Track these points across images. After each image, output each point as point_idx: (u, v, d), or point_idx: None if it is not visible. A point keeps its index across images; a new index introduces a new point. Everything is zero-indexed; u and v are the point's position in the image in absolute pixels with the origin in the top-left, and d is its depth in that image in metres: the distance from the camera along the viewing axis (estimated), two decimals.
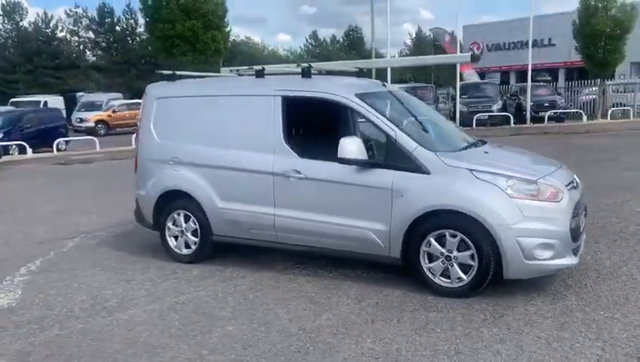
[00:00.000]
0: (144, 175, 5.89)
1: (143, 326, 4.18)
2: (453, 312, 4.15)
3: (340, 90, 5.00)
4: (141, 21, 53.17)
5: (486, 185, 4.30)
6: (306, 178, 4.89)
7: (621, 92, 26.15)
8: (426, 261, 4.51)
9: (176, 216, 5.67)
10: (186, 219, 5.62)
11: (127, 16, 52.75)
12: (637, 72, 31.79)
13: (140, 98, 33.38)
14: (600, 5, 22.40)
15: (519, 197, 4.23)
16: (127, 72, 50.02)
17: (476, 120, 21.24)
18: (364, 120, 4.82)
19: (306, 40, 73.28)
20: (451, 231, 4.35)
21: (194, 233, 5.60)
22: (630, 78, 29.13)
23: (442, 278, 4.47)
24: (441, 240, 4.41)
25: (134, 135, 20.40)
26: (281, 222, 5.07)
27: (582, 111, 23.45)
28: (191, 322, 4.21)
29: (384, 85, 5.76)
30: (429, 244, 4.46)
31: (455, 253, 4.36)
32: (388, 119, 4.71)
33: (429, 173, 4.43)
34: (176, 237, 5.72)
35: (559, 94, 25.24)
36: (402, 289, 4.64)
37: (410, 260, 4.57)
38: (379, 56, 59.56)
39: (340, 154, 4.61)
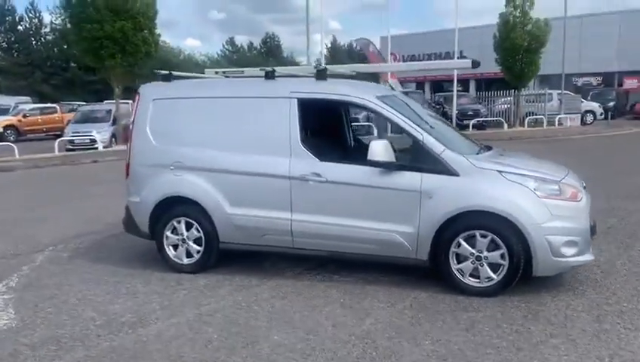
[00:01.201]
0: (139, 181, 5.51)
1: (178, 340, 3.90)
2: (491, 311, 4.24)
3: (361, 92, 4.98)
4: (46, 20, 50.40)
5: (515, 185, 4.44)
6: (327, 181, 4.81)
7: (533, 102, 28.15)
8: (455, 262, 4.58)
9: (176, 223, 5.36)
10: (188, 226, 5.32)
11: (30, 15, 49.40)
12: (540, 84, 34.28)
13: (46, 102, 31.05)
14: (517, 20, 24.02)
15: (546, 197, 4.41)
16: (30, 75, 46.65)
17: None
18: (388, 122, 4.82)
19: (223, 46, 72.45)
20: (482, 231, 4.45)
21: (197, 241, 5.31)
22: (534, 89, 31.40)
23: (471, 278, 4.56)
24: (470, 241, 4.50)
25: (57, 141, 19.40)
26: (298, 227, 4.94)
27: (502, 120, 24.97)
28: (230, 334, 3.99)
29: (393, 89, 5.80)
30: (459, 245, 4.53)
31: (485, 253, 4.46)
32: (413, 122, 4.75)
33: (458, 175, 4.51)
34: (175, 246, 5.40)
35: (480, 103, 26.71)
36: (428, 291, 4.67)
37: (437, 262, 4.62)
38: (295, 64, 60.27)
39: (369, 157, 4.58)
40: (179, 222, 5.34)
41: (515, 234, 4.37)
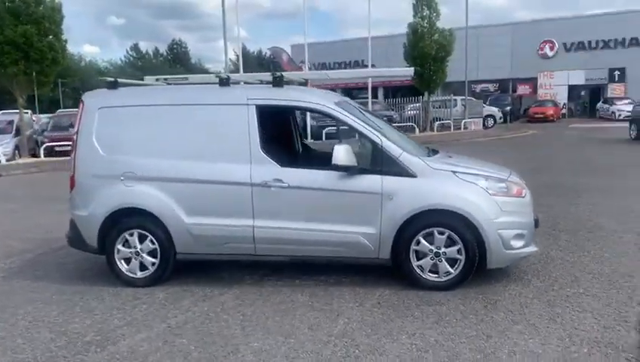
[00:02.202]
0: (85, 193, 5.25)
1: (155, 355, 3.79)
2: (454, 303, 4.50)
3: (320, 98, 5.10)
4: None
5: (469, 184, 4.76)
6: (289, 187, 4.87)
7: (439, 107, 29.73)
8: (415, 259, 4.82)
9: (128, 236, 5.17)
10: (142, 238, 5.15)
11: None
12: (443, 90, 36.26)
13: None
14: (425, 30, 25.34)
15: (496, 195, 4.76)
16: None
17: (325, 133, 22.38)
18: (346, 128, 4.97)
19: (127, 52, 69.75)
20: (440, 228, 4.71)
21: (151, 253, 5.16)
22: (438, 96, 33.15)
23: (431, 274, 4.81)
24: (429, 238, 4.75)
25: None
26: (261, 233, 4.95)
27: (414, 125, 26.14)
28: (207, 344, 3.93)
29: (343, 96, 5.97)
30: (418, 243, 4.77)
31: (443, 249, 4.73)
32: (370, 126, 4.94)
33: (415, 176, 4.75)
34: (127, 260, 5.21)
35: (392, 109, 27.77)
36: (392, 288, 4.87)
37: (399, 260, 4.82)
38: (204, 71, 59.20)
39: (334, 161, 4.69)
40: (131, 235, 5.16)
41: (470, 230, 4.67)
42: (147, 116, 5.20)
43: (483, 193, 4.73)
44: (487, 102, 33.77)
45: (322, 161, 5.05)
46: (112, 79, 5.44)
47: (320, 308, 4.52)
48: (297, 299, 4.73)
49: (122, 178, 5.11)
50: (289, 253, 5.02)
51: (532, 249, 4.93)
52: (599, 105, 37.68)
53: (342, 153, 4.70)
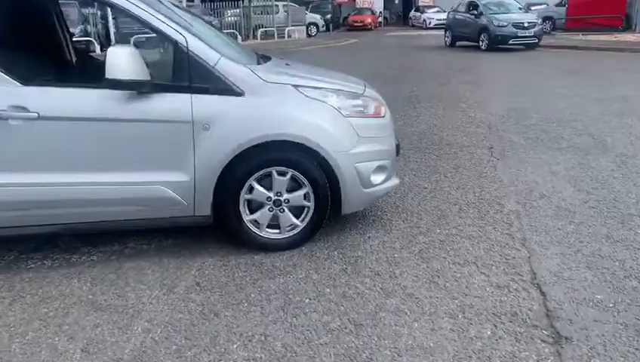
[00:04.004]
0: None
1: None
2: (304, 270, 3.26)
3: None
4: None
5: (316, 103, 3.40)
6: (40, 117, 3.04)
7: (261, 14, 27.79)
8: (247, 212, 3.43)
9: None
10: None
11: None
12: None
13: None
14: None
15: (351, 116, 3.49)
16: None
17: (134, 42, 19.31)
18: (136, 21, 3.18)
19: None
20: (279, 168, 3.35)
21: None
22: (258, 1, 31.00)
23: (270, 230, 3.49)
24: (265, 182, 3.38)
25: None
26: (5, 196, 3.12)
27: (236, 32, 24.02)
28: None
29: None
30: (251, 189, 3.37)
31: (285, 195, 3.41)
32: (173, 21, 3.23)
33: (242, 94, 3.25)
34: None
35: (211, 14, 25.14)
36: (214, 255, 3.48)
37: (224, 215, 3.40)
38: None
39: (109, 74, 2.95)
40: None
41: (320, 166, 3.38)
42: None
43: (335, 114, 3.42)
44: (309, 10, 32.63)
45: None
46: None
47: (106, 304, 2.95)
48: (71, 292, 3.09)
49: None
50: (58, 221, 3.28)
51: (394, 182, 3.83)
52: (412, 13, 38.93)
53: (121, 60, 2.97)
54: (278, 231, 3.49)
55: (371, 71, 12.46)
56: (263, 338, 2.60)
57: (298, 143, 3.29)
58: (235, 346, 2.55)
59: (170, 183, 3.25)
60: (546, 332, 2.58)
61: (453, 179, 4.86)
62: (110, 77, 2.95)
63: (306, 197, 3.43)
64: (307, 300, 2.92)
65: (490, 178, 4.86)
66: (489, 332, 2.59)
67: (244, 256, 3.43)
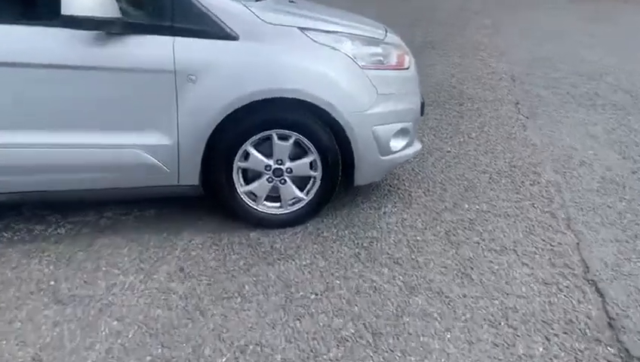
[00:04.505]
0: None
1: None
2: (309, 255, 2.73)
3: None
4: None
5: (327, 51, 2.76)
6: None
7: None
8: (243, 182, 2.87)
9: None
10: None
11: None
12: None
13: None
14: None
15: (370, 67, 2.86)
16: None
17: None
18: None
19: None
20: (281, 131, 2.75)
21: None
22: None
23: (268, 204, 2.93)
24: (264, 148, 2.79)
25: None
26: None
27: None
28: None
29: None
30: (247, 156, 2.79)
31: (288, 164, 2.83)
32: None
33: (236, 39, 2.61)
34: None
35: None
36: (200, 233, 2.93)
37: (216, 186, 2.83)
38: None
39: (65, 9, 2.31)
40: None
41: (330, 129, 2.79)
42: None
43: (349, 65, 2.79)
44: None
45: None
46: None
47: (70, 295, 2.44)
48: (30, 276, 2.56)
49: None
50: (10, 189, 2.72)
51: (416, 147, 3.24)
52: None
53: None
54: (278, 205, 2.93)
55: (379, 14, 11.56)
56: (258, 348, 2.10)
57: (304, 101, 2.68)
58: (223, 360, 2.04)
59: (148, 147, 2.66)
60: (612, 351, 2.07)
61: (479, 140, 4.26)
62: (67, 13, 2.31)
63: (312, 165, 2.86)
64: (313, 296, 2.40)
65: (521, 140, 4.27)
66: (541, 349, 2.08)
67: (238, 232, 2.90)
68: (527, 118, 4.82)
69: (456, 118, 4.80)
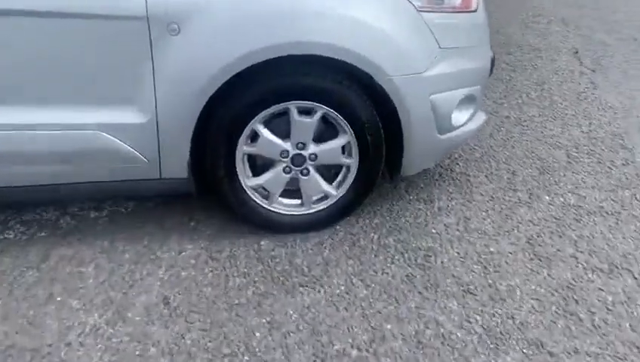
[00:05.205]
0: None
1: None
2: (347, 269, 1.96)
3: None
4: None
5: None
6: None
7: None
8: (250, 173, 2.07)
9: None
10: None
11: None
12: None
13: None
14: None
15: (428, 9, 1.99)
16: None
17: None
18: None
19: None
20: (302, 102, 1.93)
21: None
22: None
23: (286, 201, 2.15)
24: (278, 125, 1.98)
25: None
26: None
27: None
28: None
29: None
30: (255, 138, 1.98)
31: (312, 148, 2.02)
32: None
33: None
34: None
35: None
36: (199, 237, 2.16)
37: (213, 177, 2.04)
38: None
39: None
40: None
41: (372, 100, 1.96)
42: None
43: (400, 6, 1.93)
44: None
45: None
46: None
47: (8, 346, 1.70)
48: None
49: None
50: None
51: (480, 120, 2.41)
52: None
53: None
54: (298, 202, 2.15)
55: None
56: None
57: (335, 59, 1.84)
58: None
59: (113, 127, 1.86)
60: None
61: (542, 102, 3.42)
62: None
63: (345, 150, 2.05)
64: (354, 351, 1.65)
65: (593, 101, 3.42)
66: None
67: (244, 240, 2.13)
68: (592, 71, 3.94)
69: (507, 72, 3.92)
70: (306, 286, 1.90)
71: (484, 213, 2.29)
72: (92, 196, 2.24)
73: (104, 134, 1.86)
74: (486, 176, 2.57)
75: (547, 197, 2.41)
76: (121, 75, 1.79)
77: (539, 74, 3.88)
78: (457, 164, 2.67)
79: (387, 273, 1.96)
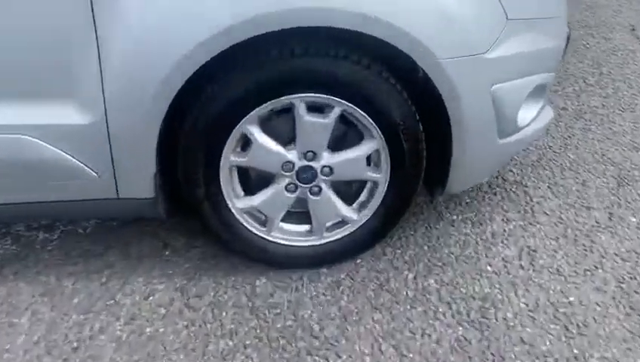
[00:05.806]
0: None
1: None
2: (375, 329, 1.41)
3: None
4: None
5: None
6: None
7: None
8: (239, 191, 1.51)
9: None
10: None
11: None
12: None
13: None
14: None
15: None
16: None
17: None
18: None
19: None
20: (313, 94, 1.35)
21: None
22: None
23: (288, 227, 1.59)
24: (280, 125, 1.41)
25: None
26: None
27: None
28: None
29: None
30: (246, 145, 1.41)
31: (326, 157, 1.45)
32: None
33: None
34: None
35: None
36: (174, 273, 1.61)
37: (191, 195, 1.48)
38: None
39: None
40: None
41: (409, 93, 1.39)
42: None
43: None
44: None
45: None
46: None
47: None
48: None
49: None
50: None
51: (548, 117, 1.81)
52: None
53: None
54: (307, 229, 1.58)
55: None
56: None
57: (360, 34, 1.26)
58: None
59: (47, 129, 1.30)
60: None
61: (603, 89, 2.81)
62: None
63: (371, 161, 1.48)
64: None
65: None
66: None
67: (234, 278, 1.58)
68: None
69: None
70: (317, 354, 1.35)
71: (553, 243, 1.71)
72: (35, 219, 1.70)
73: (33, 139, 1.31)
74: (549, 188, 1.99)
75: (634, 219, 1.83)
76: (56, 59, 1.23)
77: (593, 55, 3.26)
78: (511, 170, 2.09)
79: (429, 335, 1.40)
